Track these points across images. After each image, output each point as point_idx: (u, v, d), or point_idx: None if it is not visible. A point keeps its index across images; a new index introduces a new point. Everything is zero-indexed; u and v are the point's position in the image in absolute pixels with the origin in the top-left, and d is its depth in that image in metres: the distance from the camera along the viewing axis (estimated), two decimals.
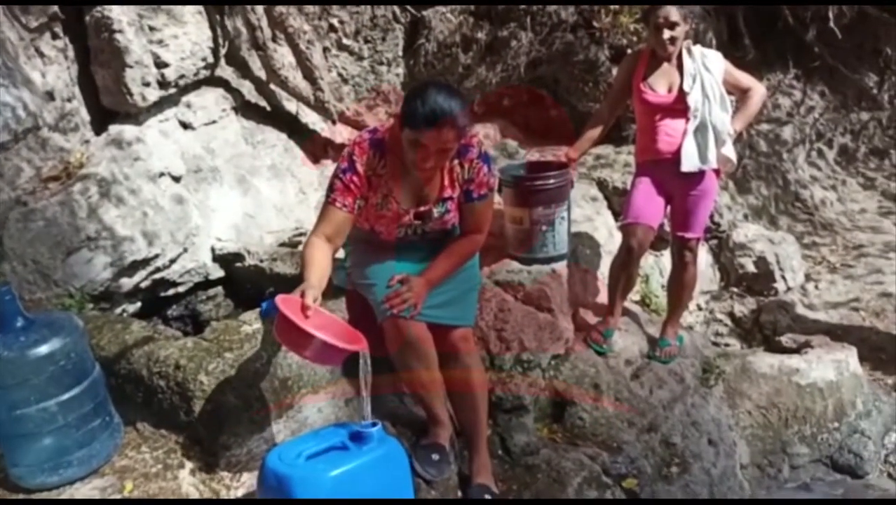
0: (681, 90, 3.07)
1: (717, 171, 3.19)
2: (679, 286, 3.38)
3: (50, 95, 2.99)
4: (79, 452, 2.07)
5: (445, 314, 2.35)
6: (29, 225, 2.67)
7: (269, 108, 3.73)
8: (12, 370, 1.95)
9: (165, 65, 3.12)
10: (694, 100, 3.04)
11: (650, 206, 3.19)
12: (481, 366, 2.56)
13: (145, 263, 2.92)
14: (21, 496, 2.05)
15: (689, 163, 3.07)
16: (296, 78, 3.57)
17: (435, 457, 2.45)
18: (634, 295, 3.88)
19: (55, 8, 3.04)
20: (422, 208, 2.28)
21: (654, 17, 3.04)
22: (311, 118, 3.87)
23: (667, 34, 3.01)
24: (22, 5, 2.96)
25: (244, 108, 3.65)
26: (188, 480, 2.11)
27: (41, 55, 3.05)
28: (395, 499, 1.92)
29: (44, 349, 1.97)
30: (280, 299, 1.89)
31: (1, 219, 2.65)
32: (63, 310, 2.65)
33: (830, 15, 5.40)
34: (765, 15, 5.77)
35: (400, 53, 4.55)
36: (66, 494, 2.04)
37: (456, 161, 2.23)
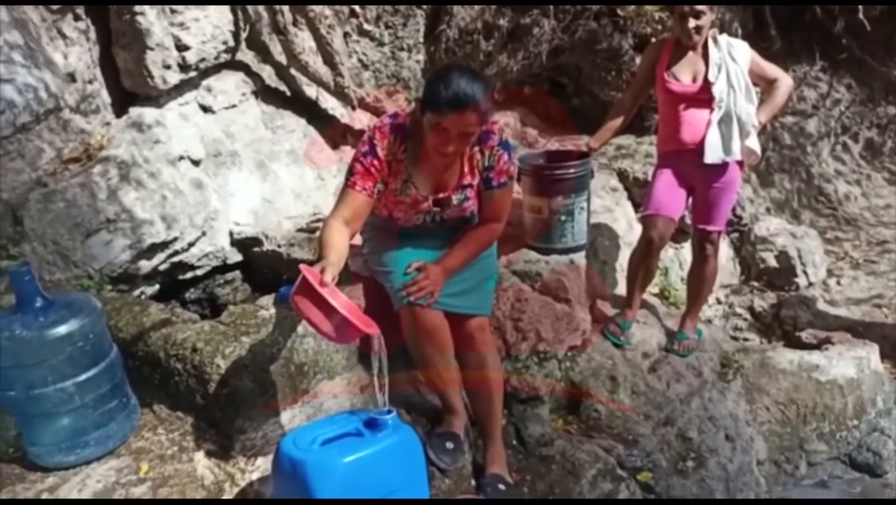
0: (705, 80, 3.02)
1: (740, 164, 3.14)
2: (699, 279, 3.34)
3: (71, 77, 2.99)
4: (96, 432, 2.08)
5: (462, 303, 2.34)
6: (49, 206, 2.69)
7: (288, 93, 3.72)
8: (31, 350, 1.95)
9: (186, 48, 3.11)
10: (719, 90, 2.99)
11: (671, 198, 3.15)
12: (497, 355, 2.56)
13: (164, 245, 2.93)
14: (39, 474, 2.06)
15: (713, 154, 3.02)
16: (316, 63, 3.56)
17: (449, 445, 2.45)
18: (653, 287, 3.85)
19: None
20: (441, 195, 2.26)
21: (679, 5, 2.99)
22: (330, 103, 3.85)
23: (692, 23, 2.96)
24: None
25: (264, 93, 3.64)
26: (203, 463, 2.12)
27: (63, 36, 3.05)
28: (409, 499, 1.90)
29: (62, 330, 1.97)
30: (305, 268, 1.85)
31: (22, 200, 2.66)
32: (82, 291, 2.67)
33: (860, 6, 5.29)
34: (792, 5, 5.66)
35: (421, 40, 4.52)
36: (83, 473, 2.05)
37: (476, 148, 2.20)
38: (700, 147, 3.03)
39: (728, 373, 3.40)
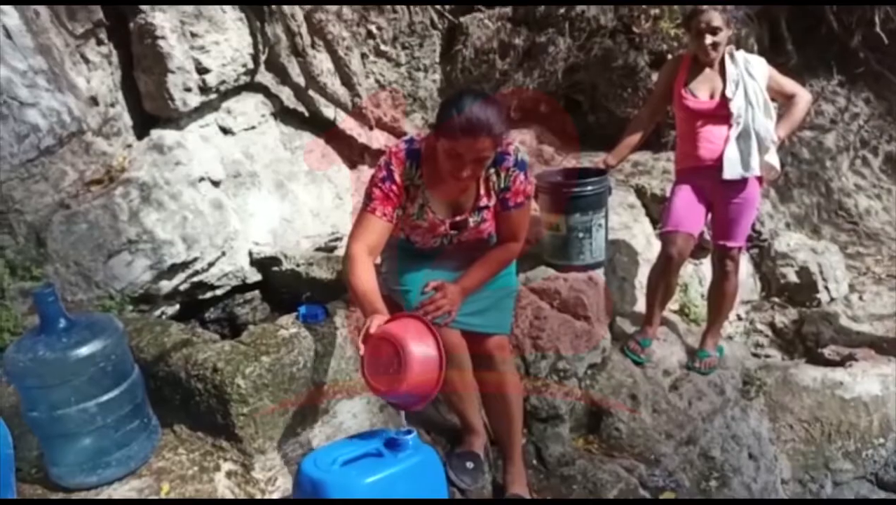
0: (723, 96, 3.02)
1: (759, 179, 3.13)
2: (720, 296, 3.32)
3: (94, 100, 3.04)
4: (117, 452, 2.08)
5: (480, 322, 2.34)
6: (72, 228, 2.72)
7: (307, 114, 3.75)
8: (54, 371, 1.96)
9: (207, 70, 3.15)
10: (737, 106, 2.99)
11: (691, 214, 3.14)
12: (516, 374, 2.55)
13: (184, 266, 2.95)
14: (60, 496, 2.07)
15: (732, 170, 3.01)
16: (334, 84, 3.59)
17: (469, 465, 2.44)
18: (673, 304, 3.83)
19: (100, 14, 3.09)
20: (458, 218, 2.26)
21: (696, 22, 2.99)
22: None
23: (709, 39, 2.96)
24: (69, 11, 3.01)
25: (283, 114, 3.67)
26: (224, 483, 2.12)
27: (86, 61, 3.10)
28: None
29: (85, 351, 1.98)
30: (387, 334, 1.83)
31: (45, 221, 2.69)
32: (104, 311, 2.69)
33: (877, 19, 5.27)
34: (808, 20, 5.65)
35: (437, 59, 4.55)
36: (104, 494, 2.06)
37: (492, 169, 2.19)
38: (718, 163, 3.02)
39: (750, 390, 3.37)
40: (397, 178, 2.16)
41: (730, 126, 3.01)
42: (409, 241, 2.33)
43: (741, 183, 3.06)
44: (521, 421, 2.49)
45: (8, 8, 2.72)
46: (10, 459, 1.97)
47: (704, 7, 2.94)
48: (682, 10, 4.49)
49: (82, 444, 2.04)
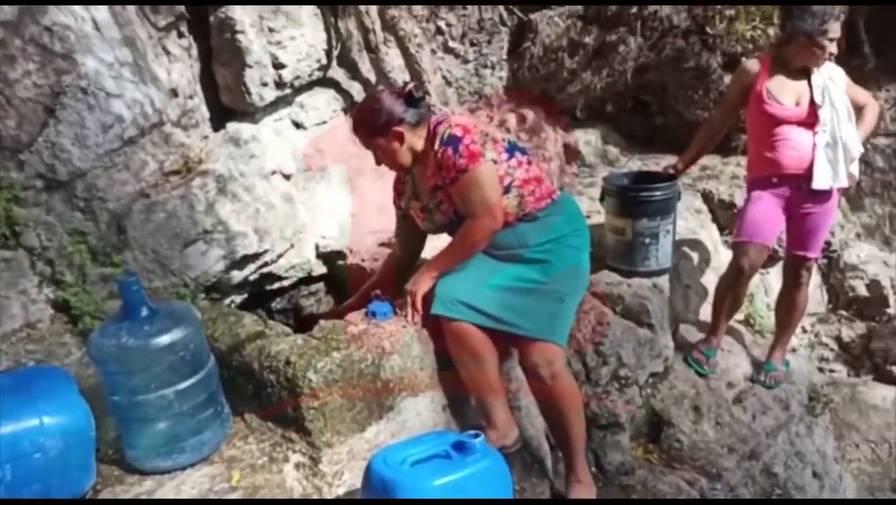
0: (811, 103, 2.93)
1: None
2: (790, 308, 3.24)
3: (174, 92, 3.12)
4: (191, 439, 2.14)
5: (514, 319, 2.32)
6: (151, 216, 2.80)
7: None
8: (136, 358, 2.03)
9: (283, 66, 3.21)
10: (825, 114, 2.91)
11: (768, 224, 3.06)
12: (568, 383, 2.43)
13: (255, 257, 3.02)
14: (136, 477, 2.15)
15: (822, 180, 2.94)
16: (404, 80, 3.62)
17: None
18: (738, 314, 3.75)
19: (182, 8, 3.17)
20: (422, 202, 2.47)
21: (818, 33, 2.86)
22: None
23: (830, 48, 2.89)
24: (152, 5, 3.10)
25: (353, 109, 3.71)
26: (292, 475, 2.17)
27: (167, 53, 3.18)
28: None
29: (166, 339, 2.04)
30: None
31: (126, 210, 2.78)
32: (179, 299, 2.77)
33: None
34: (887, 22, 5.44)
35: (504, 56, 4.53)
36: (178, 479, 2.12)
37: (432, 151, 2.33)
38: (808, 172, 2.95)
39: (816, 407, 3.29)
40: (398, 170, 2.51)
41: (814, 133, 2.93)
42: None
43: (827, 193, 2.99)
44: (579, 432, 2.42)
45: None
46: (91, 441, 2.06)
47: (828, 18, 2.83)
48: (758, 10, 4.39)
49: (159, 429, 2.10)
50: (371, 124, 2.37)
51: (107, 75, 2.74)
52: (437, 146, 2.30)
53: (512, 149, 2.40)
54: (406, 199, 2.55)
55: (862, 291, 4.44)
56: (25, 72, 2.55)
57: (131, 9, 3.02)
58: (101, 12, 2.81)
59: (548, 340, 2.33)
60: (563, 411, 2.39)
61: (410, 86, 2.41)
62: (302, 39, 3.27)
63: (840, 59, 3.13)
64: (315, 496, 2.15)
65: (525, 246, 2.38)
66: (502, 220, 2.31)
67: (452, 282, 2.35)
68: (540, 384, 2.36)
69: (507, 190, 2.33)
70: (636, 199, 3.30)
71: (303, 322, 2.63)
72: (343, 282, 3.37)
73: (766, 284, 4.08)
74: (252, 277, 3.11)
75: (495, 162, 2.31)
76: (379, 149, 2.40)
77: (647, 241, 3.31)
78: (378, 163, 2.46)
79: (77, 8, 2.67)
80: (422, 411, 2.47)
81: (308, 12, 3.32)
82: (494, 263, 2.39)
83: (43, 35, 2.57)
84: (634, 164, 4.67)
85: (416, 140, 2.37)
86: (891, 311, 4.37)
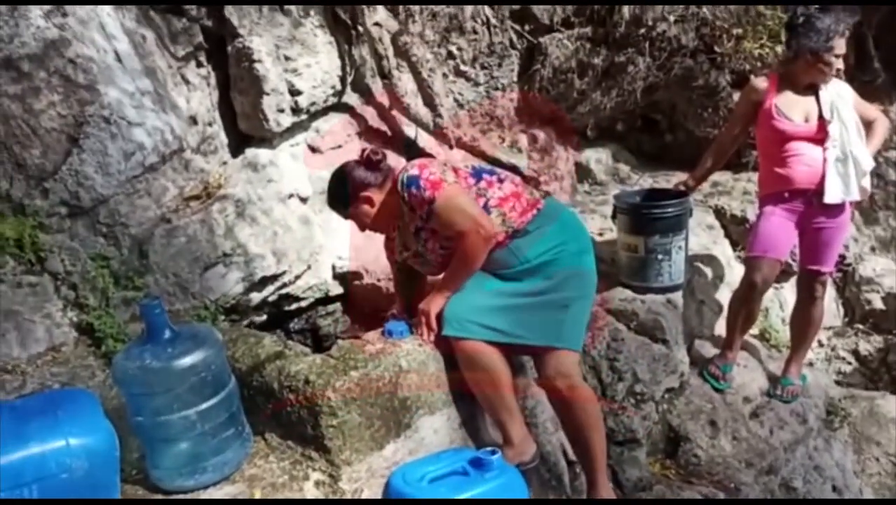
0: (821, 119, 2.97)
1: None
2: (805, 322, 3.25)
3: (193, 120, 3.20)
4: (213, 458, 2.18)
5: (522, 332, 2.34)
6: (172, 241, 2.87)
7: (389, 133, 3.86)
8: (159, 379, 2.07)
9: (299, 92, 3.29)
10: (835, 129, 2.94)
11: (780, 239, 3.08)
12: (586, 389, 2.45)
13: (274, 278, 3.08)
14: (160, 496, 2.19)
15: (834, 194, 2.96)
16: (417, 105, 3.68)
17: None
18: (753, 328, 3.75)
19: (200, 37, 3.26)
20: (412, 249, 2.51)
21: (823, 50, 2.91)
22: (428, 143, 3.97)
23: (836, 64, 2.93)
24: (172, 34, 3.19)
25: (367, 133, 3.78)
26: (312, 493, 2.19)
27: (186, 82, 3.27)
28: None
29: (188, 361, 2.08)
30: None
31: (147, 235, 2.85)
32: (199, 321, 2.83)
33: None
34: None
35: (514, 79, 4.60)
36: (201, 498, 2.16)
37: (401, 199, 2.38)
38: (819, 187, 2.97)
39: (834, 421, 3.28)
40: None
41: (825, 149, 2.96)
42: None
43: (840, 207, 3.01)
44: (599, 443, 2.42)
45: (119, 34, 2.90)
46: (116, 461, 2.09)
47: (833, 35, 2.88)
48: (765, 28, 4.43)
49: (182, 449, 2.14)
50: (340, 198, 2.53)
51: (128, 104, 2.82)
52: (401, 192, 2.37)
53: (478, 172, 2.46)
54: (399, 253, 2.61)
55: (878, 304, 4.43)
56: (50, 103, 2.64)
57: (151, 40, 3.12)
58: (123, 44, 2.91)
59: (558, 346, 2.35)
60: (583, 421, 2.39)
61: (367, 151, 2.51)
62: (317, 66, 3.35)
63: (849, 75, 3.16)
64: None
65: (525, 261, 2.40)
66: (491, 225, 2.32)
67: (459, 303, 2.38)
68: (557, 393, 2.38)
69: (486, 212, 2.36)
70: (648, 217, 3.33)
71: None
72: (359, 302, 3.42)
73: (781, 299, 4.08)
74: (271, 299, 3.17)
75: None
76: (356, 217, 2.54)
77: (660, 257, 3.33)
78: (362, 229, 2.59)
79: (99, 39, 2.76)
80: (439, 429, 2.49)
81: (323, 40, 3.41)
82: (498, 282, 2.41)
83: (67, 67, 2.66)
84: (645, 181, 4.70)
85: (387, 197, 2.46)
86: None
